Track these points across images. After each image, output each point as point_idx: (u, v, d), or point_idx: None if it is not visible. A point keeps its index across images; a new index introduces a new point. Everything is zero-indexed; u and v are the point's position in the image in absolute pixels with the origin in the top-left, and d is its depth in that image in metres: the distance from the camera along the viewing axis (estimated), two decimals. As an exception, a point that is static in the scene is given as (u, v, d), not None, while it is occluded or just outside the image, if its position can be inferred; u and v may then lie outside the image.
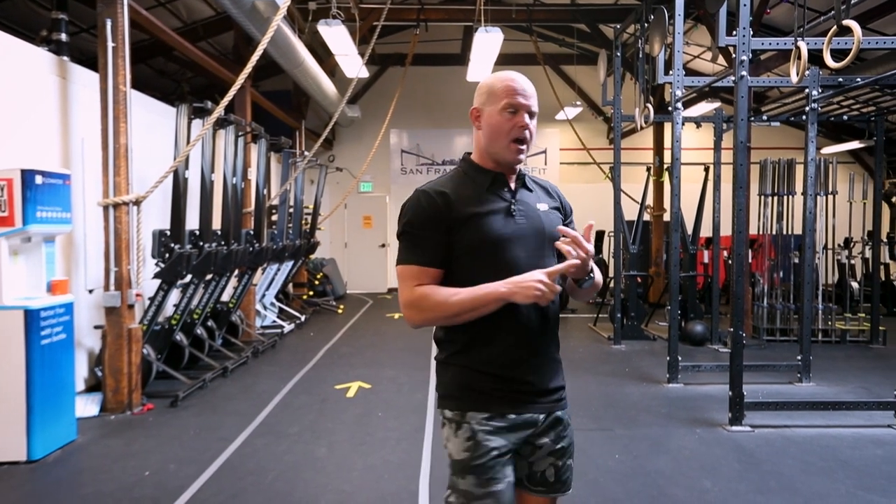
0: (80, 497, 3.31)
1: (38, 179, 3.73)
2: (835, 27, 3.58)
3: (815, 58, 4.30)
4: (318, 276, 11.54)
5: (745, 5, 4.36)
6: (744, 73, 4.37)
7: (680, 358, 5.72)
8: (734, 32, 4.44)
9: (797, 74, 3.86)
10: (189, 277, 5.60)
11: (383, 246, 13.21)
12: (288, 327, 8.34)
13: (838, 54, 3.76)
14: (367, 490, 3.41)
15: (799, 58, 3.80)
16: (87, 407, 4.61)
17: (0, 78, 4.25)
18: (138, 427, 4.41)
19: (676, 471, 3.69)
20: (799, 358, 5.65)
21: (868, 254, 8.80)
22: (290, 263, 9.17)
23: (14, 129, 4.36)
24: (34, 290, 3.91)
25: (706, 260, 9.30)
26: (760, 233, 8.02)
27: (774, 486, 3.49)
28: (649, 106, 6.65)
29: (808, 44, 4.05)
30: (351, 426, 4.49)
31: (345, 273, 12.87)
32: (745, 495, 3.36)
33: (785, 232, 7.82)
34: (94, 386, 5.06)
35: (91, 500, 3.26)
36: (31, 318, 3.68)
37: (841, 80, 5.58)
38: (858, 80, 5.54)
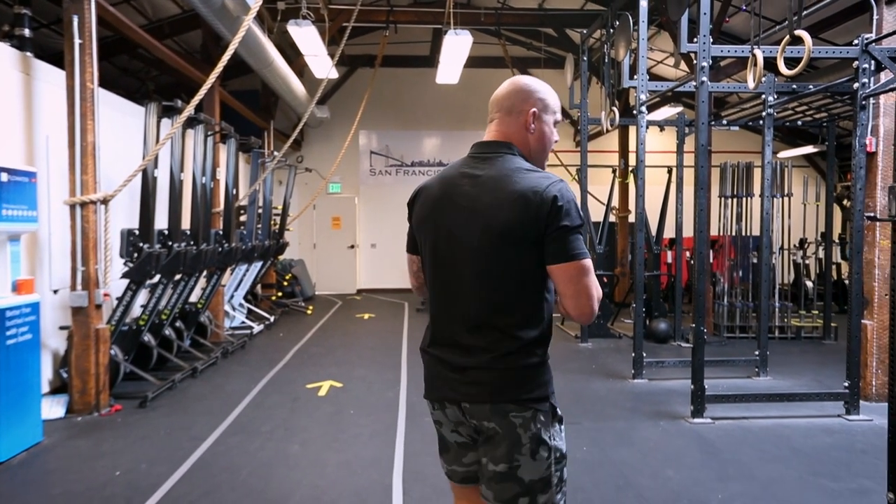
0: (49, 497, 3.27)
1: (4, 177, 3.67)
2: (787, 37, 3.78)
3: (771, 65, 4.51)
4: (287, 278, 11.47)
5: (705, 14, 4.54)
6: (704, 78, 4.55)
7: (644, 354, 5.90)
8: (695, 39, 4.62)
9: (754, 80, 4.05)
10: (158, 277, 5.54)
11: (352, 247, 13.19)
12: (257, 328, 8.28)
13: (791, 62, 3.96)
14: (341, 485, 3.45)
15: (755, 65, 3.99)
16: (52, 409, 4.53)
17: (-38, 73, 4.17)
18: (106, 428, 4.36)
19: (641, 461, 3.83)
20: (757, 353, 5.89)
21: (822, 254, 9.17)
22: (259, 264, 9.11)
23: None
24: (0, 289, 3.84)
25: (669, 260, 9.58)
26: (721, 234, 8.29)
27: (733, 473, 3.65)
28: (615, 109, 6.83)
29: (763, 52, 4.25)
30: (323, 424, 4.52)
31: (314, 274, 12.81)
32: (706, 482, 3.51)
33: (744, 233, 8.10)
34: (58, 388, 4.96)
35: (61, 501, 3.23)
36: (-3, 318, 3.62)
37: (795, 86, 5.83)
38: (811, 87, 5.80)
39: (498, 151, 1.71)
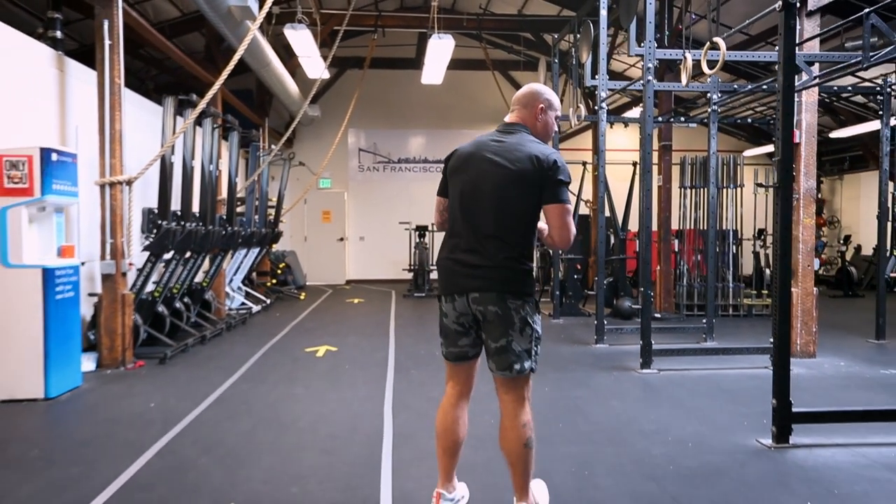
0: (99, 421, 3.94)
1: (54, 157, 4.33)
2: (708, 43, 4.54)
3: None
4: (281, 266, 12.11)
5: (650, 23, 5.30)
6: (650, 78, 5.31)
7: (606, 323, 6.65)
8: (643, 44, 5.38)
9: (686, 79, 4.81)
10: (171, 253, 6.19)
11: (342, 240, 13.85)
12: (256, 308, 8.93)
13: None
14: (341, 412, 4.15)
15: (685, 67, 4.76)
16: (84, 364, 5.16)
17: (9, 69, 4.81)
18: (134, 378, 5.02)
19: (593, 397, 4.57)
20: (704, 321, 6.66)
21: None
22: (257, 250, 9.76)
23: (21, 115, 4.92)
24: (46, 254, 4.49)
25: (637, 249, 10.35)
26: (680, 224, 9.07)
27: (666, 404, 4.40)
28: (581, 106, 7.59)
29: (695, 56, 5.02)
30: (322, 375, 5.21)
31: (305, 265, 13.44)
32: (643, 410, 4.26)
33: (703, 221, 8.88)
34: (85, 349, 5.58)
35: (108, 423, 3.90)
36: (48, 276, 4.27)
37: (736, 86, 6.62)
38: (749, 86, 6.59)
39: (517, 129, 2.53)
